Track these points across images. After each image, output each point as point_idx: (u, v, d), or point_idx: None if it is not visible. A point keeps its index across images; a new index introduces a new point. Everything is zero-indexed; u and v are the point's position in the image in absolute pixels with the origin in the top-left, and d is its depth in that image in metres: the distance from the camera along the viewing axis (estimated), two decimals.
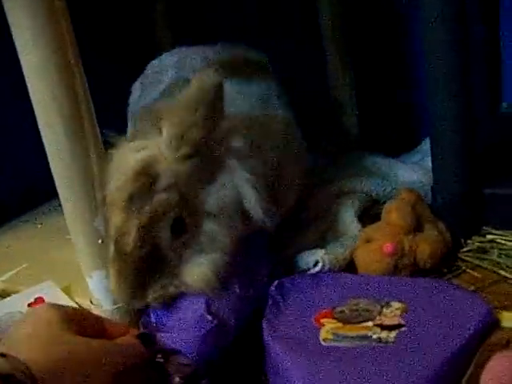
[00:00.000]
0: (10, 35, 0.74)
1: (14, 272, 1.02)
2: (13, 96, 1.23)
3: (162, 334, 0.70)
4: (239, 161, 0.75)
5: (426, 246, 0.88)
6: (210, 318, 0.70)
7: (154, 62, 1.08)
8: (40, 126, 0.78)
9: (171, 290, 0.72)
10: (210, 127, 0.72)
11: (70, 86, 0.75)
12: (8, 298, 0.92)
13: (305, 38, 1.35)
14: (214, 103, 0.71)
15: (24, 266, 1.04)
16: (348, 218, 0.98)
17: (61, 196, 0.82)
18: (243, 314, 0.74)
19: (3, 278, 1.01)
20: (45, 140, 0.78)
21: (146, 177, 0.70)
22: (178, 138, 0.71)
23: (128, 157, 0.73)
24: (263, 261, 0.81)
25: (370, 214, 1.03)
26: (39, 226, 1.21)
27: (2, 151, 1.29)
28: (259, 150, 0.80)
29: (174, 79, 0.96)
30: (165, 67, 1.02)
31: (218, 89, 0.72)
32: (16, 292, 0.95)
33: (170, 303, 0.72)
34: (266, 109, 0.92)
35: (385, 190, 1.08)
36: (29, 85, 0.75)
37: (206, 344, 0.69)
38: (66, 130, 0.76)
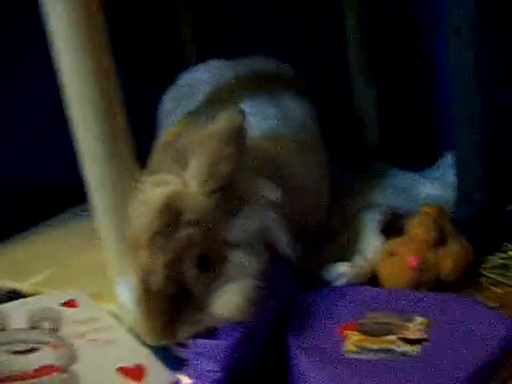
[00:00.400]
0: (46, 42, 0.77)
1: (42, 276, 1.04)
2: (45, 101, 1.28)
3: (193, 341, 0.71)
4: (263, 198, 0.76)
5: (448, 260, 0.89)
6: (238, 326, 0.70)
7: (186, 74, 1.11)
8: (75, 129, 0.80)
9: (201, 326, 0.71)
10: (235, 163, 0.72)
11: (104, 87, 0.78)
12: (41, 296, 0.94)
13: (330, 51, 1.37)
14: (240, 140, 0.73)
15: (51, 270, 1.06)
16: (371, 231, 0.99)
17: (92, 201, 0.84)
18: (270, 323, 0.75)
19: (32, 282, 1.02)
20: (79, 143, 0.80)
21: (170, 213, 0.70)
22: (206, 173, 0.71)
23: (150, 193, 0.73)
24: (288, 272, 0.82)
25: (392, 227, 1.04)
26: (66, 230, 1.23)
27: (31, 156, 1.32)
28: (282, 179, 0.81)
29: (209, 96, 0.98)
30: (198, 81, 1.04)
31: (243, 127, 0.73)
32: None
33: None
34: (287, 128, 0.93)
35: (407, 204, 1.08)
36: (66, 87, 0.78)
37: (234, 352, 0.70)
38: (100, 132, 0.78)
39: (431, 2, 1.26)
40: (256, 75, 1.01)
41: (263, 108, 0.94)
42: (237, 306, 0.70)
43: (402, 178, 1.18)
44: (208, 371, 0.69)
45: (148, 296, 0.70)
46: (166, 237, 0.70)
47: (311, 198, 0.92)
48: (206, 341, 0.70)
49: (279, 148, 0.88)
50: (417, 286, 0.88)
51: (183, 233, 0.70)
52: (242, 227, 0.73)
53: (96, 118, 0.79)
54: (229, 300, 0.70)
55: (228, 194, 0.73)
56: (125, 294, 0.84)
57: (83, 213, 1.26)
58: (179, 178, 0.72)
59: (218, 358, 0.69)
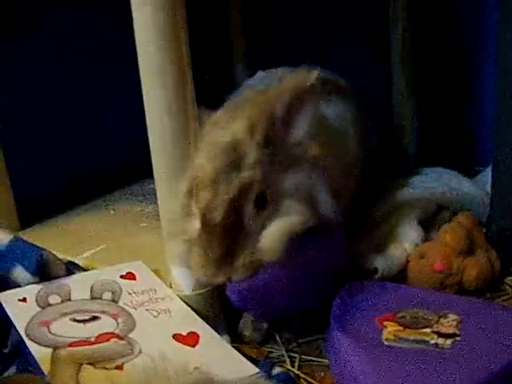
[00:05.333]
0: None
1: (93, 251, 1.09)
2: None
3: None
4: (312, 168, 0.81)
5: (473, 269, 0.95)
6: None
7: (249, 81, 1.17)
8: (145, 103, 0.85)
9: (254, 257, 0.75)
10: (287, 125, 0.78)
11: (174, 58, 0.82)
12: (101, 269, 0.99)
13: (372, 58, 1.43)
14: (298, 104, 0.77)
15: (102, 246, 1.11)
16: (409, 224, 1.05)
17: (156, 177, 0.88)
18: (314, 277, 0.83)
19: (84, 256, 1.07)
20: (148, 116, 0.85)
21: (234, 154, 0.75)
22: (250, 128, 0.76)
23: (216, 134, 0.78)
24: (341, 245, 0.90)
25: (434, 220, 1.09)
26: (112, 211, 1.29)
27: (88, 132, 1.38)
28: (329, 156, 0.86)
29: None
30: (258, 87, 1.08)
31: (309, 91, 0.77)
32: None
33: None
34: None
35: (448, 196, 1.13)
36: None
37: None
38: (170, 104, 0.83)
39: (475, 14, 1.32)
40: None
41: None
42: (275, 237, 0.76)
43: (443, 173, 1.22)
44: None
45: (208, 229, 0.75)
46: (230, 175, 0.75)
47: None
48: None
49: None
50: (440, 288, 0.95)
51: (245, 172, 0.75)
52: (293, 181, 0.79)
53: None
54: (270, 232, 0.76)
55: (280, 156, 0.78)
56: (180, 274, 0.90)
57: (127, 196, 1.37)
58: (249, 126, 0.77)
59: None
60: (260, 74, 1.18)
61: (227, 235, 0.75)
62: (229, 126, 0.79)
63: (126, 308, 0.88)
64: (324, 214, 0.82)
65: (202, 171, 0.77)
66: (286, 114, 0.78)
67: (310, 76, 0.77)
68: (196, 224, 0.77)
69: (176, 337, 0.83)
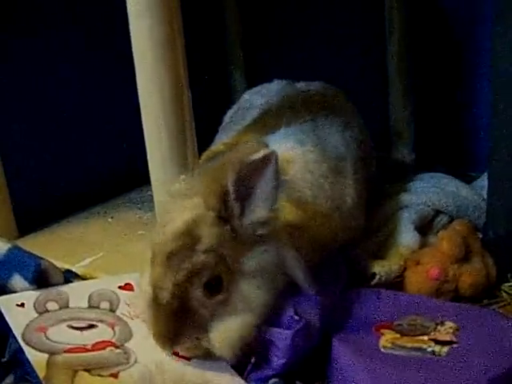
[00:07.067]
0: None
1: (91, 259, 1.09)
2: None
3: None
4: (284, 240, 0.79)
5: (468, 276, 0.96)
6: (297, 318, 0.77)
7: (246, 96, 1.18)
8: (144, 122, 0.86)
9: (204, 343, 0.76)
10: (241, 201, 0.75)
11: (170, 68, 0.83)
12: (100, 279, 1.00)
13: (369, 66, 1.44)
14: (247, 178, 0.74)
15: (100, 254, 1.11)
16: (406, 229, 1.06)
17: (153, 185, 0.89)
18: (325, 318, 0.81)
19: (82, 264, 1.07)
20: (145, 124, 0.86)
21: (188, 238, 0.75)
22: (205, 205, 0.76)
23: (175, 215, 0.78)
24: (344, 272, 0.90)
25: (431, 225, 1.10)
26: (110, 219, 1.29)
27: (87, 141, 1.38)
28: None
29: (255, 120, 1.03)
30: (252, 106, 1.10)
31: (256, 165, 0.73)
32: (94, 278, 1.02)
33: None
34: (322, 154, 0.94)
35: (444, 201, 1.12)
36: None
37: (296, 342, 0.77)
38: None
39: (471, 21, 1.33)
40: (305, 100, 1.05)
41: (300, 134, 0.95)
42: (230, 344, 0.75)
43: (440, 178, 1.22)
44: (274, 357, 0.76)
45: (156, 306, 0.76)
46: (181, 258, 0.75)
47: (343, 218, 0.94)
48: (273, 329, 0.77)
49: (309, 174, 0.90)
50: (436, 294, 0.95)
51: (197, 258, 0.75)
52: (257, 259, 0.77)
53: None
54: (226, 337, 0.75)
55: (242, 229, 0.76)
56: None
57: (125, 203, 1.37)
58: (205, 202, 0.76)
59: (282, 346, 0.76)
60: (257, 87, 1.19)
61: (174, 316, 0.75)
62: (186, 202, 0.78)
63: (123, 318, 0.88)
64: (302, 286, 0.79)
65: (158, 248, 0.77)
66: (236, 189, 0.75)
67: (257, 152, 0.74)
68: (147, 296, 0.78)
69: None
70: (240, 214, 0.76)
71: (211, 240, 0.75)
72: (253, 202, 0.75)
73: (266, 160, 0.73)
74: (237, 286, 0.76)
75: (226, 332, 0.76)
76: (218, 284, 0.76)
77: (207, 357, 0.78)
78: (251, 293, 0.76)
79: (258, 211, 0.76)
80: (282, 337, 0.77)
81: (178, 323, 0.75)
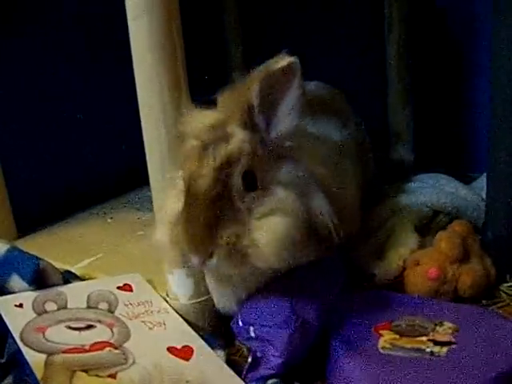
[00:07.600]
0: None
1: (90, 260, 1.09)
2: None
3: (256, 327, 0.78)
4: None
5: (467, 277, 0.96)
6: (294, 317, 0.77)
7: None
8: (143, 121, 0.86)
9: (243, 241, 0.71)
10: (265, 114, 0.74)
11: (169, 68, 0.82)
12: (98, 279, 1.00)
13: (368, 67, 1.43)
14: (271, 90, 0.73)
15: (99, 255, 1.11)
16: (405, 230, 1.06)
17: (152, 186, 0.88)
18: (323, 318, 0.81)
19: (81, 265, 1.07)
20: (144, 125, 0.85)
21: (221, 131, 0.74)
22: (231, 114, 0.75)
23: (204, 114, 0.77)
24: (343, 272, 0.89)
25: (430, 225, 1.10)
26: (109, 220, 1.29)
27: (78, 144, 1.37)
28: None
29: None
30: None
31: (281, 75, 0.72)
32: (93, 279, 1.01)
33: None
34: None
35: (443, 201, 1.12)
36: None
37: (293, 341, 0.77)
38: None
39: (470, 23, 1.33)
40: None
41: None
42: (278, 238, 0.72)
43: (439, 178, 1.22)
44: (271, 356, 0.76)
45: (193, 201, 0.72)
46: (217, 147, 0.73)
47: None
48: (270, 329, 0.77)
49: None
50: (435, 295, 0.95)
51: (233, 144, 0.73)
52: (286, 170, 0.76)
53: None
54: (272, 230, 0.72)
55: (269, 141, 0.75)
56: (176, 283, 0.90)
57: (125, 204, 1.37)
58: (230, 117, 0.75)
59: (280, 345, 0.77)
60: None
61: (212, 207, 0.71)
62: (211, 113, 0.77)
63: (122, 319, 0.88)
64: (317, 222, 0.77)
65: (189, 146, 0.76)
66: (261, 101, 0.74)
67: (281, 60, 0.73)
68: (180, 199, 0.75)
69: (170, 350, 0.83)
70: (266, 128, 0.75)
71: (244, 137, 0.74)
72: (278, 113, 0.75)
73: (291, 68, 0.73)
74: (271, 191, 0.74)
75: (271, 226, 0.72)
76: (253, 180, 0.74)
77: (241, 270, 0.74)
78: (287, 197, 0.74)
79: (284, 122, 0.75)
80: (279, 336, 0.77)
81: (217, 215, 0.71)
